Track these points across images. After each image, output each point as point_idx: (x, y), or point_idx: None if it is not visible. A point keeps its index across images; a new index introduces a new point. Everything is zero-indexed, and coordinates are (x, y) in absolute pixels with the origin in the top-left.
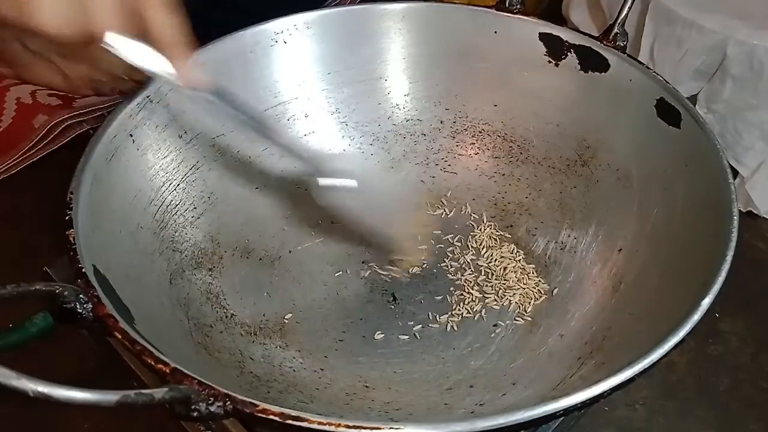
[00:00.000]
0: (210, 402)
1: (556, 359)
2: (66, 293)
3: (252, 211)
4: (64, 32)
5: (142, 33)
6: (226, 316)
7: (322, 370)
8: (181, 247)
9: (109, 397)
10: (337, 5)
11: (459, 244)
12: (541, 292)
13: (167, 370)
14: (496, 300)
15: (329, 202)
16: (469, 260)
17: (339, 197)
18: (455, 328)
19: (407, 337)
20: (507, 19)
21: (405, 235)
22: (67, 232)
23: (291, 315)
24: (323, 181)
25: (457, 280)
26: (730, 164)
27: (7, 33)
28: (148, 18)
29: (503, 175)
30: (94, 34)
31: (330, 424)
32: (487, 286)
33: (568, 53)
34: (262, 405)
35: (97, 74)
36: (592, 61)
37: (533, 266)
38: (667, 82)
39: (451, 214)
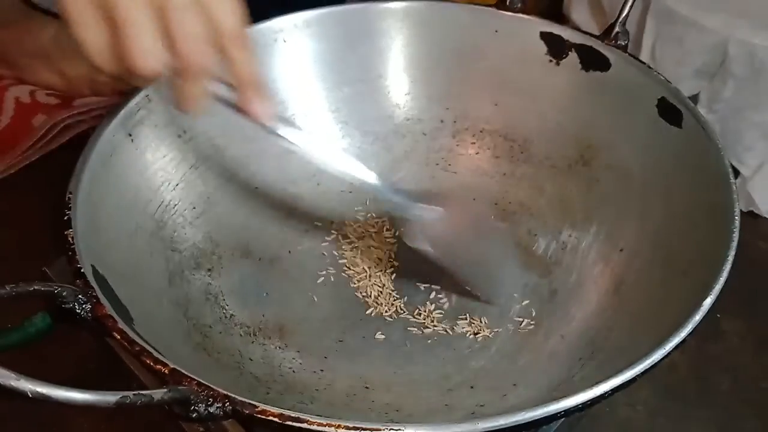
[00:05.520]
0: (209, 403)
1: (557, 360)
2: (65, 293)
3: (251, 211)
4: (156, 71)
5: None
6: (226, 317)
7: (321, 370)
8: (180, 247)
9: (108, 397)
10: (337, 4)
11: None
12: (541, 293)
13: (166, 371)
14: (497, 300)
15: (420, 243)
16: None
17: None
18: (456, 328)
19: (408, 337)
20: (508, 18)
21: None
22: (65, 232)
23: (290, 315)
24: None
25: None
26: (731, 164)
27: (7, 35)
28: (227, 53)
29: (504, 174)
30: (189, 69)
31: (330, 425)
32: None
33: (569, 52)
34: (262, 406)
35: (96, 74)
36: (593, 61)
37: (534, 266)
38: (669, 82)
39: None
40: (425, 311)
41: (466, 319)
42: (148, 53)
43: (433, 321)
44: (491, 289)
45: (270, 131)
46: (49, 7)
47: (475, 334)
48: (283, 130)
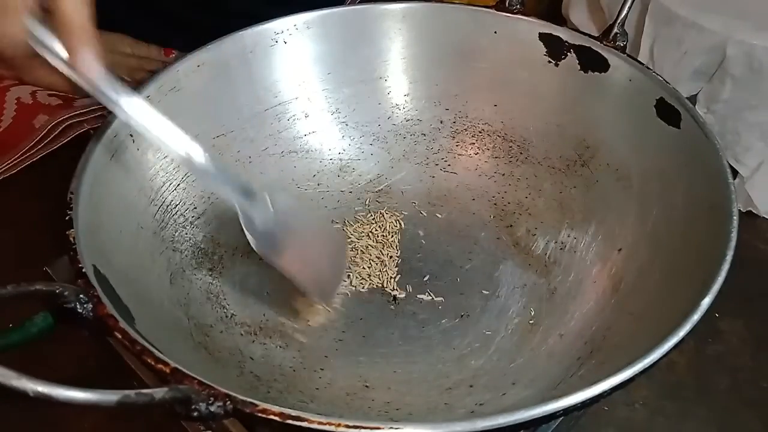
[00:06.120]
0: (210, 402)
1: (556, 359)
2: (66, 293)
3: None
4: None
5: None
6: (226, 316)
7: (322, 369)
8: (181, 246)
9: (110, 397)
10: (337, 5)
11: (460, 244)
12: (540, 293)
13: (167, 370)
14: (496, 300)
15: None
16: (468, 260)
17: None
18: (455, 327)
19: (407, 336)
20: (507, 19)
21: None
22: (67, 232)
23: (291, 314)
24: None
25: (458, 279)
26: (729, 164)
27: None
28: None
29: (503, 175)
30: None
31: (330, 424)
32: (486, 285)
33: (568, 53)
34: (263, 405)
35: None
36: (591, 61)
37: (532, 266)
38: (667, 82)
39: (452, 214)
40: (425, 311)
41: (464, 317)
42: None
43: (433, 320)
44: (325, 290)
45: (94, 89)
46: None
47: (475, 332)
48: (107, 89)
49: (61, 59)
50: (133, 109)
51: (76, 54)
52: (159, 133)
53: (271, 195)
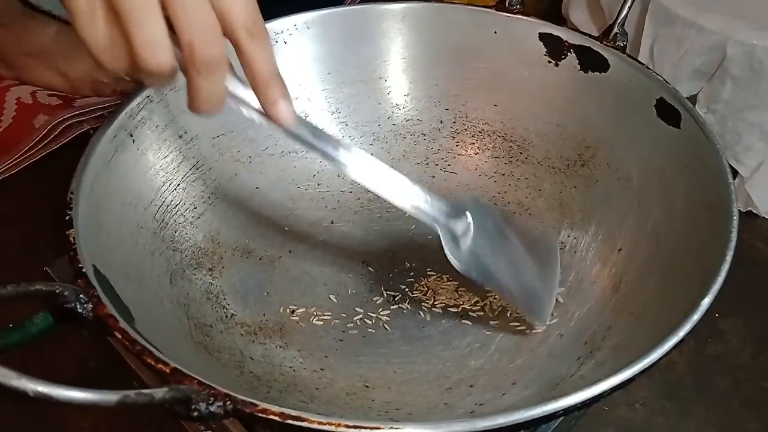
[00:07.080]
0: (210, 402)
1: (556, 359)
2: (66, 293)
3: (252, 211)
4: (165, 66)
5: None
6: (226, 316)
7: (322, 369)
8: (181, 246)
9: (109, 397)
10: (337, 5)
11: None
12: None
13: (167, 370)
14: (496, 300)
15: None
16: None
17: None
18: (455, 327)
19: (408, 336)
20: (507, 19)
21: None
22: (67, 232)
23: (291, 315)
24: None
25: (458, 279)
26: (729, 164)
27: (8, 36)
28: (241, 46)
29: (503, 175)
30: (199, 63)
31: (330, 424)
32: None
33: (568, 53)
34: (262, 405)
35: (98, 75)
36: (592, 61)
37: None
38: (667, 82)
39: None
40: (425, 310)
41: (465, 317)
42: (154, 45)
43: (433, 320)
44: (536, 307)
45: (291, 135)
46: (49, 9)
47: (475, 332)
48: (305, 134)
49: (256, 110)
50: (333, 151)
51: (272, 105)
52: (365, 179)
53: (471, 208)
